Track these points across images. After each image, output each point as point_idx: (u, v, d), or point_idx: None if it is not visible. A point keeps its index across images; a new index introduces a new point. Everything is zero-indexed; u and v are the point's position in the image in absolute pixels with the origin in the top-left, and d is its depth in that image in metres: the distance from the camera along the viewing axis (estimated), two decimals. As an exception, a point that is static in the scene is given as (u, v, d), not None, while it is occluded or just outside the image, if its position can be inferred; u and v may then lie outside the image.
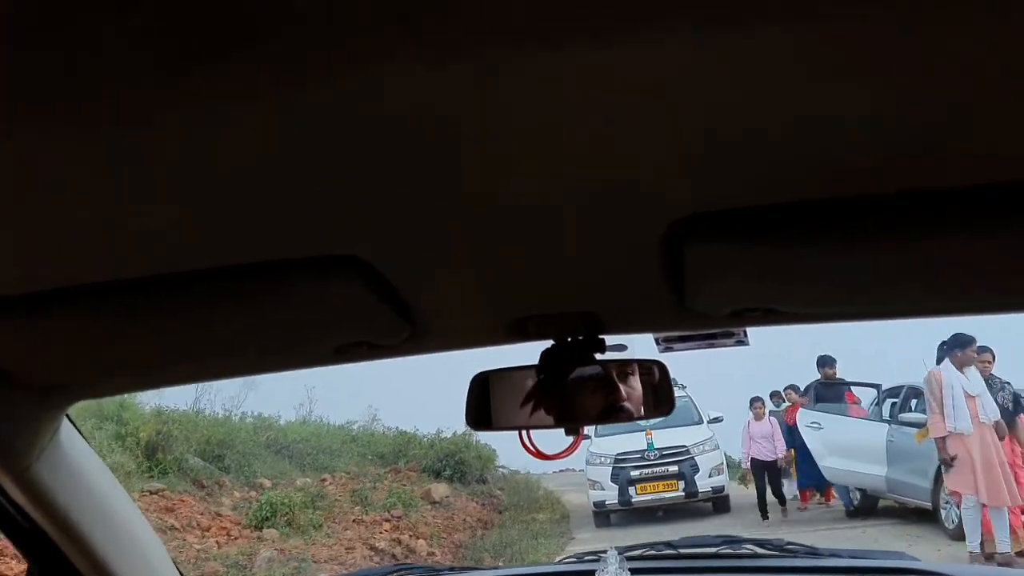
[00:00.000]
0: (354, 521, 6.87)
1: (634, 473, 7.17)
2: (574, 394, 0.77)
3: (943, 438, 4.80)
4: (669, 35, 0.31)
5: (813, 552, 1.21)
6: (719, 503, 7.49)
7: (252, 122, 0.36)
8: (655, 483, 7.19)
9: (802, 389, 7.37)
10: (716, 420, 7.98)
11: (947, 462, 4.81)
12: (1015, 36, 0.31)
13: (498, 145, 0.39)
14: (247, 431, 8.20)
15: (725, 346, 0.83)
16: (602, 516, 7.49)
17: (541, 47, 0.32)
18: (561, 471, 13.44)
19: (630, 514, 7.53)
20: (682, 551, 1.25)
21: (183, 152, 0.38)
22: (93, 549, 0.84)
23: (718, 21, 0.30)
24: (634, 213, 0.47)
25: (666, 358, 0.85)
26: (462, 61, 0.33)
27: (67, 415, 0.82)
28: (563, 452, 0.88)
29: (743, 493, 7.86)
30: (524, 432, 0.85)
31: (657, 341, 0.85)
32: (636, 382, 0.80)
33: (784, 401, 7.72)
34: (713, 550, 1.24)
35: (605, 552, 1.06)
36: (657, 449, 7.23)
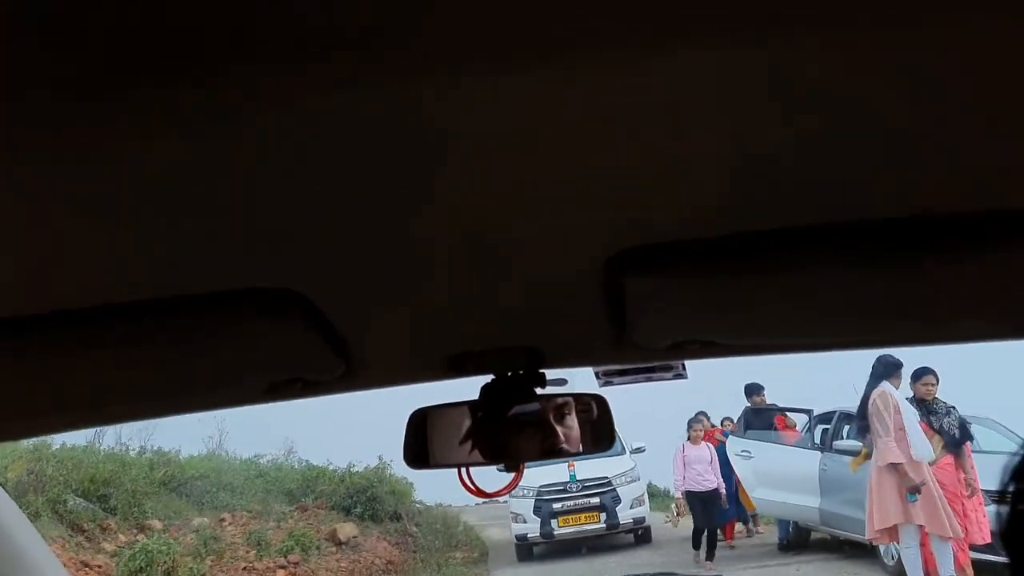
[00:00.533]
0: (244, 569, 6.25)
1: (556, 505, 7.12)
2: (514, 430, 0.76)
3: (896, 464, 4.29)
4: (598, 65, 0.31)
5: None
6: (642, 535, 7.49)
7: (179, 149, 0.35)
8: (577, 515, 7.15)
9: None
10: (638, 451, 8.00)
11: (916, 489, 4.24)
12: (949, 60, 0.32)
13: (432, 180, 0.38)
14: (140, 467, 7.39)
15: (664, 379, 0.84)
16: (524, 550, 7.39)
17: (472, 79, 0.31)
18: (484, 503, 13.14)
19: (553, 548, 7.42)
20: None
21: (104, 180, 0.36)
22: None
23: (650, 47, 0.30)
24: (574, 246, 0.47)
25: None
26: (391, 94, 0.32)
27: None
28: (503, 489, 0.86)
29: (669, 526, 7.40)
30: (463, 469, 0.82)
31: (597, 375, 0.85)
32: (575, 417, 0.80)
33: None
34: None
35: None
36: (579, 481, 7.17)
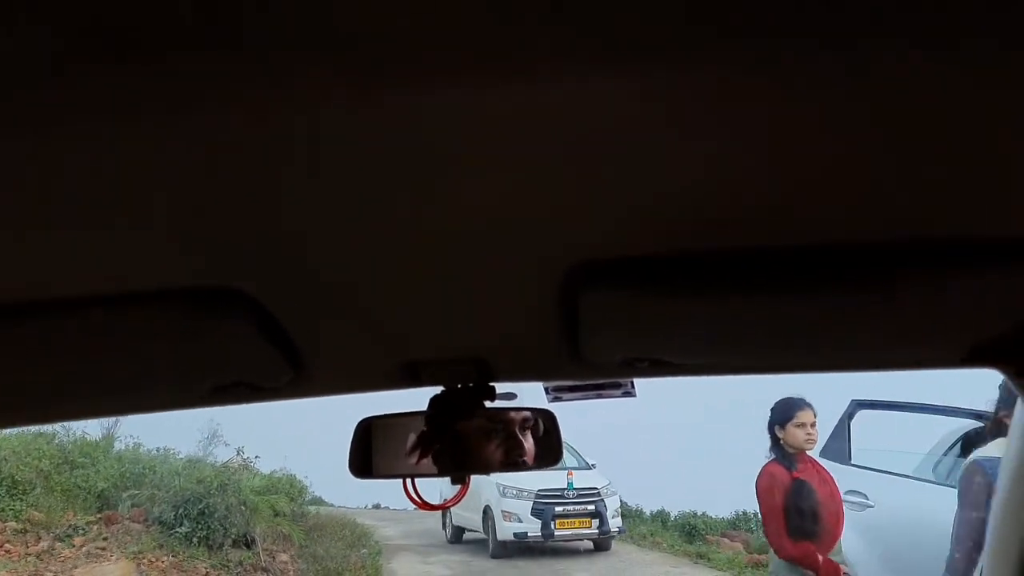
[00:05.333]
0: None
1: (558, 509, 7.54)
2: (462, 443, 0.76)
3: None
4: (558, 81, 0.31)
5: None
6: (604, 543, 7.99)
7: (130, 144, 0.34)
8: (573, 520, 7.61)
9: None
10: (591, 467, 8.41)
11: None
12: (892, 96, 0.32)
13: (388, 184, 0.38)
14: None
15: (612, 397, 0.84)
16: (501, 546, 7.68)
17: (434, 86, 0.31)
18: (374, 507, 12.42)
19: (523, 551, 7.74)
20: None
21: (52, 173, 0.36)
22: None
23: (606, 64, 0.30)
24: (530, 260, 0.48)
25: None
26: (350, 94, 0.32)
27: None
28: (449, 501, 0.86)
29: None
30: (408, 480, 0.82)
31: (547, 391, 0.85)
32: (525, 431, 0.80)
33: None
34: None
35: None
36: (576, 489, 7.64)
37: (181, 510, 5.79)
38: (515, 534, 7.50)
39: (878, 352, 0.66)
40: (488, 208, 0.41)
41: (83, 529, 5.58)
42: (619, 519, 8.09)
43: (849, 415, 3.74)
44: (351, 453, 0.78)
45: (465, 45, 0.30)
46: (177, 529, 5.70)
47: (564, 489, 7.57)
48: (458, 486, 0.81)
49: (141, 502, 5.91)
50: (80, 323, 0.50)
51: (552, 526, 7.44)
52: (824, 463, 2.88)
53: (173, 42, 0.29)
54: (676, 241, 0.45)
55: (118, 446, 7.04)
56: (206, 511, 5.81)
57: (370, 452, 0.79)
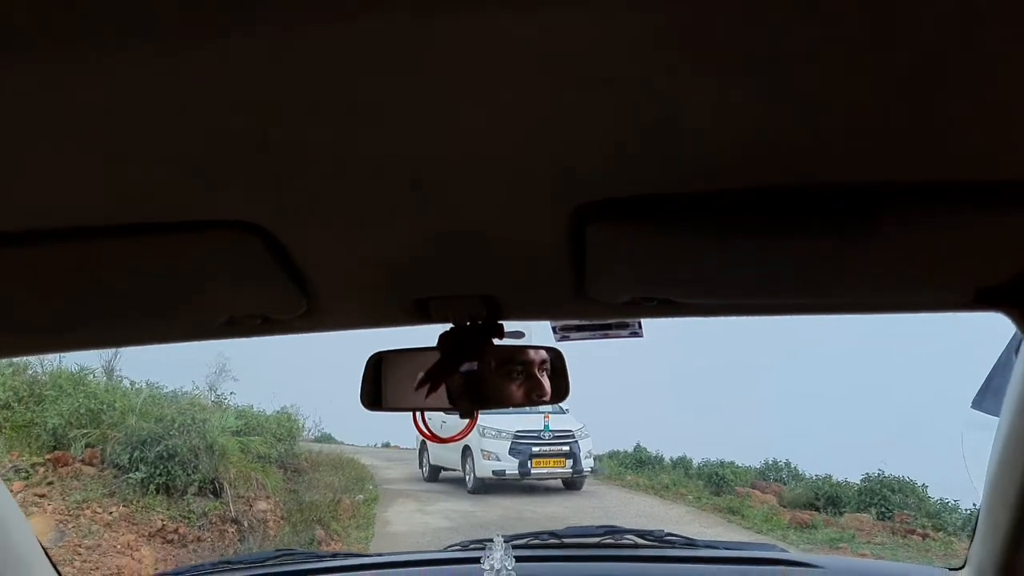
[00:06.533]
0: None
1: (534, 449, 8.00)
2: (470, 379, 0.77)
3: None
4: (571, 11, 0.30)
5: (691, 543, 1.30)
6: (576, 482, 8.36)
7: (141, 76, 0.34)
8: (548, 459, 8.08)
9: None
10: (566, 412, 8.72)
11: None
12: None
13: (401, 114, 0.38)
14: None
15: (620, 336, 0.86)
16: (480, 482, 8.07)
17: (439, 17, 0.31)
18: (384, 445, 12.28)
19: (504, 488, 8.09)
20: (565, 540, 1.30)
21: (67, 105, 0.36)
22: None
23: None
24: (540, 197, 0.47)
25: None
26: (364, 18, 0.31)
27: None
28: (457, 435, 0.89)
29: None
30: (418, 414, 0.84)
31: (554, 330, 0.86)
32: (533, 368, 0.81)
33: None
34: (595, 540, 1.31)
35: (491, 540, 1.08)
36: (552, 431, 8.09)
37: (137, 452, 4.95)
38: (494, 471, 7.95)
39: (885, 294, 0.67)
40: (496, 143, 0.41)
41: (27, 472, 4.74)
42: (591, 460, 8.50)
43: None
44: (362, 385, 0.80)
45: None
46: (131, 475, 4.85)
47: (541, 431, 8.00)
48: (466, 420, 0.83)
49: (95, 442, 5.12)
50: (96, 252, 0.51)
51: (529, 465, 7.88)
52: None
53: None
54: (684, 180, 0.45)
55: (94, 376, 6.15)
56: (165, 454, 4.96)
57: (381, 385, 0.80)
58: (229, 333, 0.72)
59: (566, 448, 8.05)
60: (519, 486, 8.04)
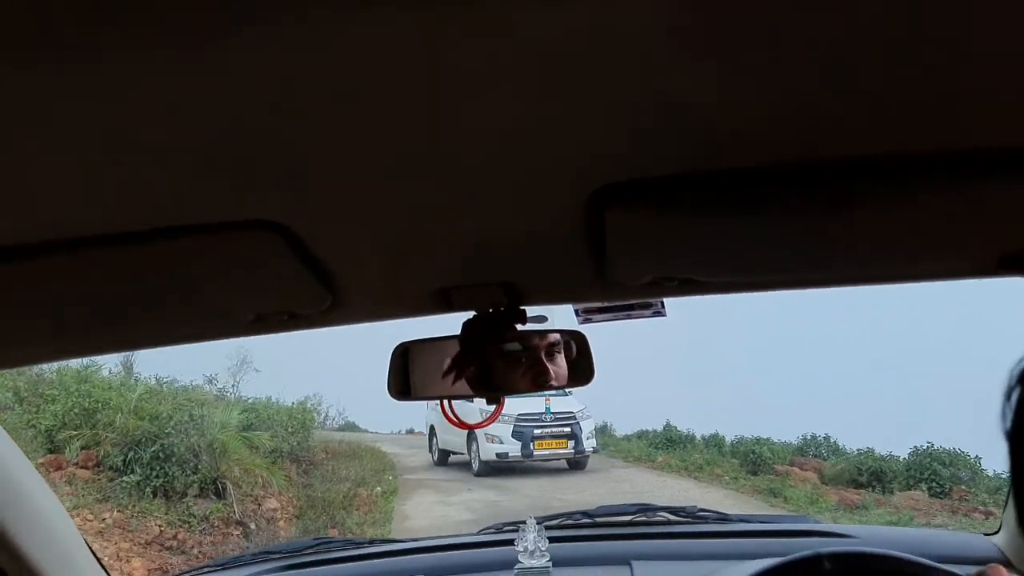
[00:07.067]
0: None
1: (536, 431, 8.16)
2: (495, 365, 0.78)
3: None
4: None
5: (724, 518, 1.31)
6: (580, 462, 8.51)
7: (164, 80, 0.34)
8: (550, 441, 8.24)
9: None
10: (568, 394, 8.81)
11: None
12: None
13: (414, 108, 0.38)
14: None
15: (643, 317, 0.86)
16: (485, 465, 8.24)
17: (455, 8, 0.31)
18: (407, 432, 11.76)
19: (505, 471, 8.22)
20: (598, 519, 1.31)
21: (91, 110, 0.36)
22: (14, 543, 0.79)
23: None
24: (558, 181, 0.48)
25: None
26: (372, 17, 0.31)
27: None
28: (485, 421, 0.89)
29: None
30: (446, 401, 0.85)
31: (577, 312, 0.87)
32: (555, 352, 0.82)
33: None
34: (628, 517, 1.32)
35: (524, 522, 1.09)
36: (553, 413, 8.25)
37: (131, 454, 4.64)
38: (497, 454, 8.11)
39: (907, 264, 0.68)
40: (512, 131, 0.41)
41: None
42: (593, 440, 8.65)
43: None
44: (389, 376, 0.81)
45: None
46: (125, 478, 4.52)
47: (542, 413, 8.12)
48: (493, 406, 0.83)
49: (88, 444, 4.77)
50: (124, 257, 0.51)
51: (531, 447, 8.04)
52: None
53: None
54: (699, 160, 0.46)
55: (103, 373, 5.78)
56: (160, 454, 4.65)
57: (408, 375, 0.81)
58: (256, 330, 0.73)
59: (567, 429, 8.21)
60: (546, 473, 8.11)
